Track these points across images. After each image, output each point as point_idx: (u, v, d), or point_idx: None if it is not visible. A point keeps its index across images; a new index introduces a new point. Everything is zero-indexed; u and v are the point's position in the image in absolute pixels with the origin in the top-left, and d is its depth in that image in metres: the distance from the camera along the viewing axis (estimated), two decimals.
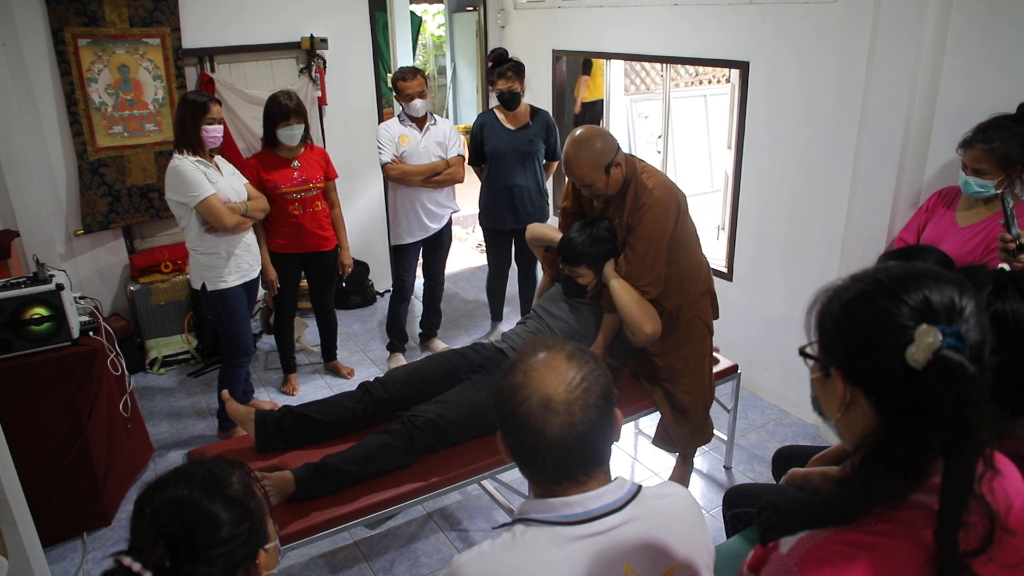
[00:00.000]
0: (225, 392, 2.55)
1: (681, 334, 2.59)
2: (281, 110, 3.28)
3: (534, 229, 2.83)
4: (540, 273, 4.28)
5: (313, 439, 2.43)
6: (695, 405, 2.66)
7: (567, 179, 2.54)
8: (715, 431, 3.17)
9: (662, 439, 2.83)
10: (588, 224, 2.53)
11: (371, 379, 2.58)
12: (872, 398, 0.89)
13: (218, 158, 3.16)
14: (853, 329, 0.90)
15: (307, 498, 2.16)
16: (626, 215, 2.41)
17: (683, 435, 2.73)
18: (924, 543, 0.85)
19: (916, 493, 0.88)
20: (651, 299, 2.43)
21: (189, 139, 2.96)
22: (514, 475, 2.75)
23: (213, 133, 3.00)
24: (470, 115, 9.24)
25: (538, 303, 2.81)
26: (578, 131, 2.36)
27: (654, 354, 2.64)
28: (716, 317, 2.72)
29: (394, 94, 3.73)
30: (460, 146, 3.85)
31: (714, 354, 3.09)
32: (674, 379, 2.66)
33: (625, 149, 2.44)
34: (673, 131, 6.40)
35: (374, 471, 2.25)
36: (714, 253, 4.24)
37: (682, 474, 2.94)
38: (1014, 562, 0.89)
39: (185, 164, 2.92)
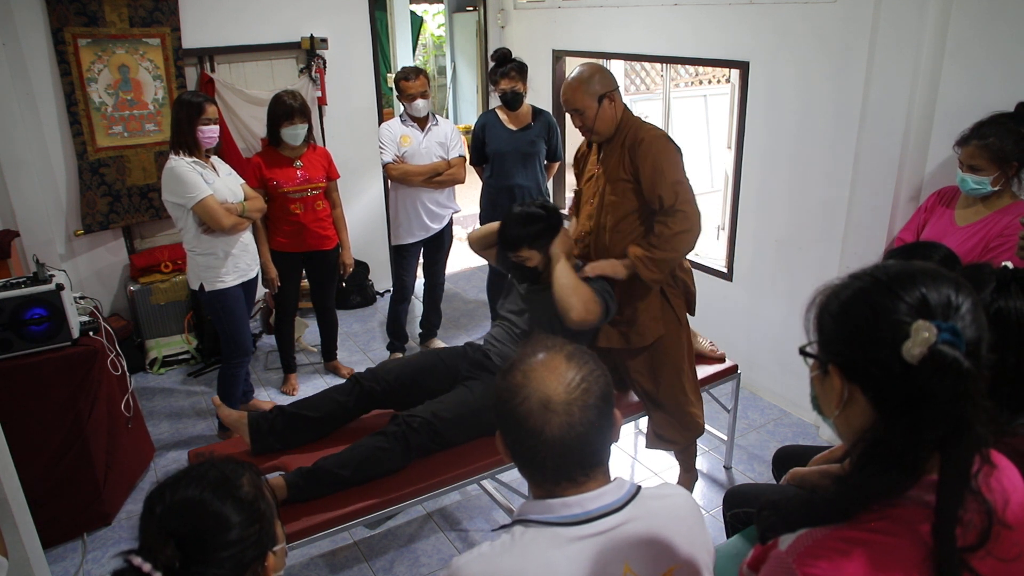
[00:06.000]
0: (215, 398, 2.56)
1: (637, 293, 2.49)
2: (285, 109, 3.29)
3: (472, 234, 2.76)
4: None
5: (308, 438, 2.43)
6: (668, 393, 2.58)
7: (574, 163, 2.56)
8: (715, 431, 3.18)
9: (652, 437, 2.78)
10: (520, 206, 2.51)
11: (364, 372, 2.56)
12: (869, 394, 0.90)
13: (214, 158, 3.15)
14: (851, 325, 0.91)
15: (300, 502, 2.16)
16: (624, 153, 2.39)
17: (662, 424, 2.66)
18: (922, 539, 0.85)
19: (913, 489, 0.88)
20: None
21: (185, 140, 2.96)
22: (514, 475, 2.75)
23: (209, 133, 2.99)
24: (470, 115, 9.23)
25: (500, 302, 2.74)
26: (583, 64, 2.44)
27: (613, 323, 2.54)
28: (691, 313, 2.65)
29: (395, 94, 3.74)
30: (461, 146, 3.86)
31: (715, 351, 3.08)
32: (645, 370, 2.58)
33: None
34: (673, 131, 6.38)
35: (369, 475, 2.24)
36: (714, 253, 4.25)
37: (687, 482, 2.90)
38: (1012, 556, 0.89)
39: (181, 165, 2.92)
